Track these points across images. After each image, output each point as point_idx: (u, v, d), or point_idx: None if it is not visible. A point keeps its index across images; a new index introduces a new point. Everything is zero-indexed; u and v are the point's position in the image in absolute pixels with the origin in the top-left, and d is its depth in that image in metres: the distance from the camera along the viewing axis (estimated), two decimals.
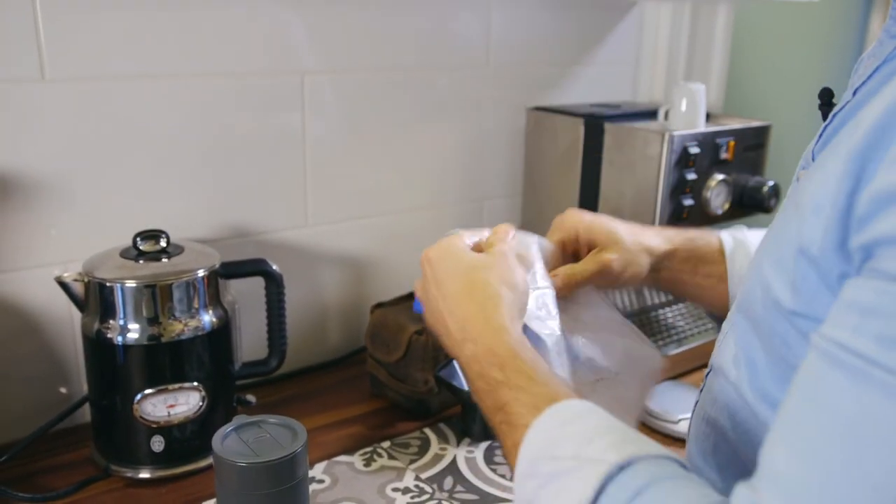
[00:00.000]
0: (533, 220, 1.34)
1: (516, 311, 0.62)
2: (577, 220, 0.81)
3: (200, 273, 0.90)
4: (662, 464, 0.49)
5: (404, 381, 1.05)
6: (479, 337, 0.60)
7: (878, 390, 0.38)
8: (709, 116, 1.23)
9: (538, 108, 1.30)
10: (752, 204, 1.20)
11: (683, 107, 1.15)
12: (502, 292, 0.62)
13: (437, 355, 1.02)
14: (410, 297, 1.15)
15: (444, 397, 1.04)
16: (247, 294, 1.05)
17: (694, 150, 1.11)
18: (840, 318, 0.42)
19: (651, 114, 1.25)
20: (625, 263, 0.79)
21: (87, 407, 0.95)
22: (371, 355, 1.09)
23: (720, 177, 1.15)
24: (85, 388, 0.97)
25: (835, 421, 0.40)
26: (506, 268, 0.64)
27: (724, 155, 1.15)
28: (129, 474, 0.90)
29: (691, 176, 1.12)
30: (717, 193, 1.16)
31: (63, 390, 1.02)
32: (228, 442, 0.76)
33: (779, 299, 0.51)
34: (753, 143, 1.21)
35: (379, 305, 1.11)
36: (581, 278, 0.77)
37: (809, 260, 0.48)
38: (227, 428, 0.77)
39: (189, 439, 0.91)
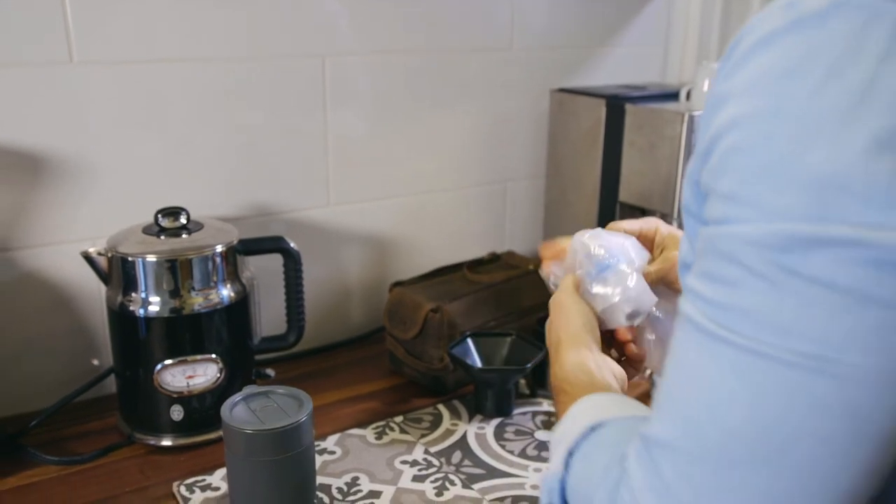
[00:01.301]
0: (556, 201, 1.34)
1: (581, 333, 0.67)
2: (656, 224, 0.78)
3: (218, 248, 0.93)
4: (622, 425, 0.53)
5: (420, 358, 1.06)
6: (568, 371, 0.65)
7: (705, 337, 0.41)
8: None
9: (561, 90, 1.30)
10: None
11: (705, 87, 1.13)
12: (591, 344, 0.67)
13: (453, 333, 1.04)
14: (429, 276, 1.17)
15: (460, 375, 1.06)
16: (271, 272, 1.08)
17: None
18: (692, 273, 0.44)
19: (676, 95, 1.24)
20: None
21: (113, 377, 0.99)
22: (389, 333, 1.11)
23: None
24: (112, 359, 1.01)
25: (684, 374, 0.43)
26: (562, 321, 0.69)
27: None
28: (151, 442, 0.94)
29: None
30: None
31: (95, 362, 1.06)
32: (237, 410, 0.79)
33: (685, 258, 0.51)
34: None
35: (398, 284, 1.13)
36: (652, 277, 0.74)
37: (687, 211, 0.49)
38: (237, 397, 0.80)
39: (207, 409, 0.94)
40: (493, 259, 1.23)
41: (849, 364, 0.37)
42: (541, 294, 0.78)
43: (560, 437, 0.56)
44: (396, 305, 1.10)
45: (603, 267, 0.69)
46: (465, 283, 1.14)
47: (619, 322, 0.69)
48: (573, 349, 0.65)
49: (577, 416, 0.57)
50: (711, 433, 0.41)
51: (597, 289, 0.69)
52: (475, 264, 1.21)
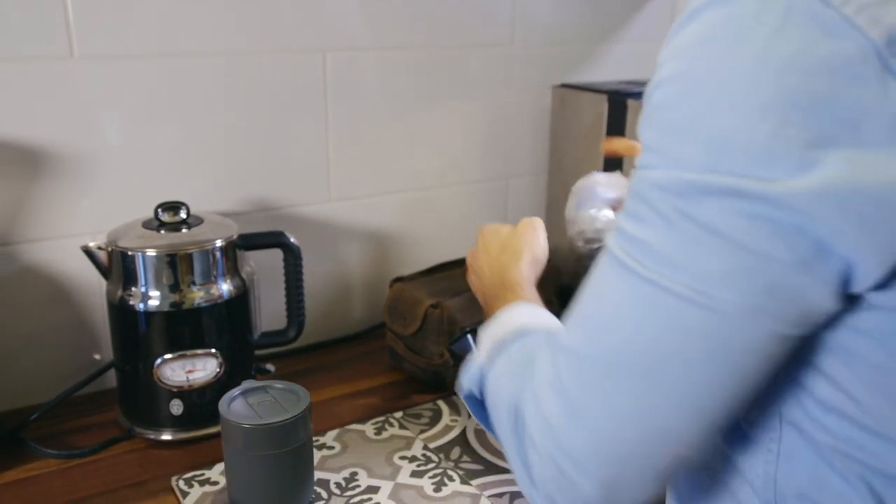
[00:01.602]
0: (558, 198, 1.33)
1: (531, 265, 0.80)
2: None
3: (218, 243, 0.93)
4: (544, 336, 0.59)
5: (420, 354, 1.06)
6: (500, 277, 0.79)
7: (616, 263, 0.48)
8: None
9: (563, 86, 1.29)
10: None
11: None
12: (524, 249, 0.81)
13: (452, 329, 1.04)
14: (430, 272, 1.17)
15: (460, 370, 1.05)
16: (270, 267, 1.08)
17: None
18: None
19: None
20: None
21: (113, 371, 0.99)
22: (389, 328, 1.11)
23: None
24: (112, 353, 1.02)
25: (595, 293, 0.50)
26: (530, 235, 0.83)
27: None
28: (150, 436, 0.94)
29: None
30: None
31: (97, 356, 1.06)
32: (235, 405, 0.79)
33: None
34: None
35: (398, 280, 1.13)
36: None
37: None
38: (235, 392, 0.80)
39: (207, 404, 0.94)
40: None
41: (720, 299, 0.43)
42: (541, 292, 0.78)
43: (491, 335, 0.65)
44: (396, 301, 1.09)
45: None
46: (465, 278, 1.14)
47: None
48: (520, 269, 0.78)
49: (509, 320, 0.67)
50: (605, 343, 0.48)
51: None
52: None
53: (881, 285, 0.43)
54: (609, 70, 1.40)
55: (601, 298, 0.49)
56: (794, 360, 0.47)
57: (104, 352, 1.06)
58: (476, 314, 1.07)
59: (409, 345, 1.08)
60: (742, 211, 0.41)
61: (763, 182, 0.41)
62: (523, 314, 0.68)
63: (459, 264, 1.19)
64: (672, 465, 0.49)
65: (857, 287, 0.43)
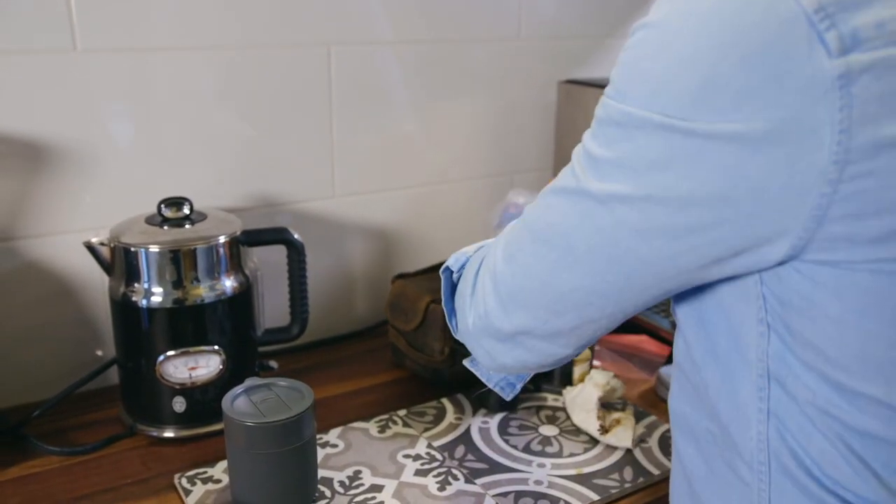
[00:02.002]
0: None
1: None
2: None
3: (221, 239, 0.92)
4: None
5: (421, 351, 1.05)
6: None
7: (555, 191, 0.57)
8: None
9: (569, 81, 1.28)
10: None
11: None
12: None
13: None
14: (433, 269, 1.16)
15: (459, 369, 1.05)
16: (273, 263, 1.07)
17: None
18: None
19: None
20: None
21: (116, 368, 0.99)
22: (391, 325, 1.10)
23: None
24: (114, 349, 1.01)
25: (554, 184, 0.58)
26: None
27: None
28: (153, 433, 0.93)
29: None
30: None
31: (99, 353, 1.06)
32: (238, 403, 0.78)
33: None
34: None
35: (400, 276, 1.12)
36: None
37: None
38: (238, 389, 0.79)
39: (210, 401, 0.93)
40: None
41: (627, 215, 0.51)
42: None
43: (473, 246, 0.75)
44: (398, 297, 1.09)
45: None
46: None
47: None
48: None
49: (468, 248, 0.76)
50: (541, 216, 0.58)
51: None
52: None
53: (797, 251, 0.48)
54: (612, 65, 1.38)
55: (554, 186, 0.58)
56: (770, 314, 0.51)
57: (106, 348, 1.06)
58: None
59: (411, 341, 1.07)
60: (665, 144, 0.48)
61: (687, 121, 0.47)
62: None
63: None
64: (571, 332, 0.60)
65: (771, 249, 0.49)
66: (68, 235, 1.00)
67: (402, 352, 1.09)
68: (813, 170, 0.45)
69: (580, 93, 1.25)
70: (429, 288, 1.06)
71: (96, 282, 1.03)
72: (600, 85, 1.23)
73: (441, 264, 1.17)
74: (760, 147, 0.45)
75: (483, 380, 0.77)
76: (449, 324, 0.74)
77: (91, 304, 1.04)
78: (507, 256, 0.61)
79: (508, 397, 0.76)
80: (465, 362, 0.78)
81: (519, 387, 0.77)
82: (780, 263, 0.49)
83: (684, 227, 0.50)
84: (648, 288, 0.55)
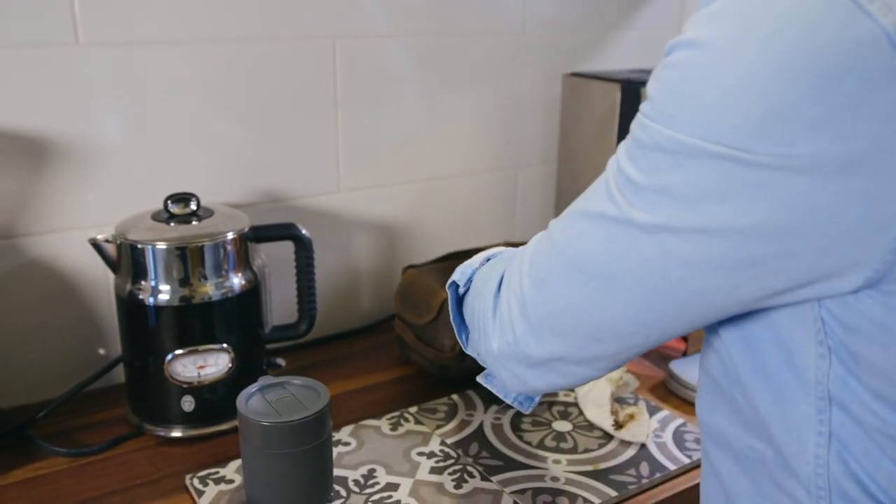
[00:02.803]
0: (568, 188, 1.32)
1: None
2: None
3: (230, 236, 0.90)
4: (504, 254, 0.70)
5: (431, 345, 1.04)
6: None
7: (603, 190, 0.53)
8: None
9: (574, 74, 1.27)
10: None
11: None
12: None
13: None
14: (443, 260, 1.15)
15: (468, 365, 1.04)
16: (279, 260, 1.06)
17: None
18: None
19: None
20: None
21: (121, 367, 0.97)
22: (400, 316, 1.09)
23: None
24: (120, 348, 0.99)
25: (584, 202, 0.55)
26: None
27: None
28: (160, 433, 0.92)
29: None
30: None
31: (102, 351, 1.04)
32: (253, 402, 0.77)
33: None
34: None
35: (411, 267, 1.11)
36: None
37: None
38: (252, 388, 0.78)
39: (219, 400, 0.92)
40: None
41: (677, 247, 0.48)
42: None
43: (470, 263, 0.73)
44: (409, 288, 1.07)
45: None
46: None
47: None
48: None
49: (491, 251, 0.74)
50: (576, 244, 0.54)
51: None
52: None
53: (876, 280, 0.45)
54: (618, 59, 1.38)
55: (586, 209, 0.54)
56: (831, 338, 0.48)
57: (111, 347, 1.04)
58: None
59: (420, 335, 1.06)
60: (718, 176, 0.45)
61: (745, 152, 0.44)
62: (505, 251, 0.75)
63: (472, 254, 1.17)
64: (609, 357, 0.57)
65: (832, 281, 0.46)
66: (71, 232, 0.98)
67: (409, 345, 1.08)
68: (894, 202, 0.42)
69: (585, 86, 1.24)
70: (442, 281, 1.05)
71: (100, 279, 1.01)
72: (605, 78, 1.22)
73: (453, 254, 1.17)
74: (834, 178, 0.42)
75: (500, 396, 0.74)
76: (459, 340, 0.73)
77: (94, 302, 1.02)
78: (537, 281, 0.57)
79: (527, 411, 0.74)
80: (480, 378, 0.75)
81: (537, 400, 0.74)
82: (854, 293, 0.46)
83: (745, 260, 0.47)
84: (699, 317, 0.52)
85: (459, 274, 0.72)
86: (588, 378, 0.61)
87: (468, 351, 0.73)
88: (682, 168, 0.46)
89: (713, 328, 0.57)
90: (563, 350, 0.58)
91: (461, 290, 0.72)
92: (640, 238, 0.49)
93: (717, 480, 0.60)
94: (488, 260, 0.72)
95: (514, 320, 0.60)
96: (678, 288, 0.49)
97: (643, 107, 0.50)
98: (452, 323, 0.73)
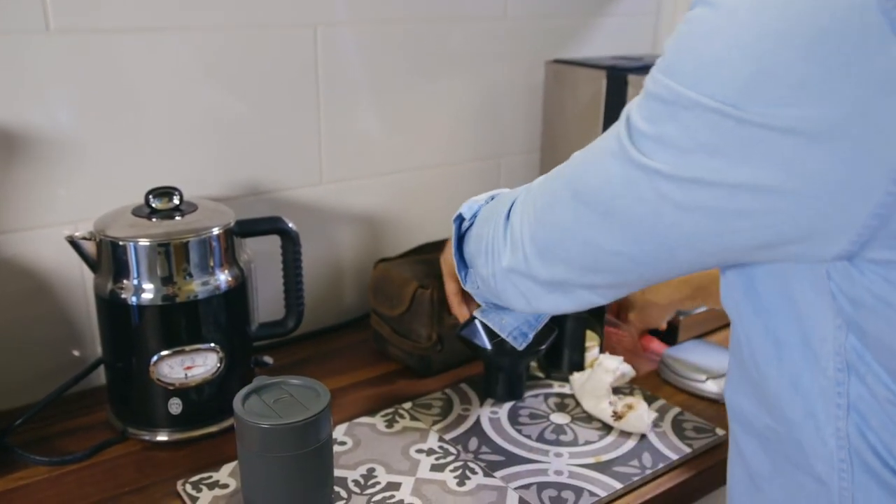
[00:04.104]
0: None
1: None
2: None
3: (215, 231, 0.87)
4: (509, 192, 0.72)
5: (407, 337, 1.02)
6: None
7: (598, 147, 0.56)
8: None
9: (557, 61, 1.26)
10: None
11: None
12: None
13: (442, 311, 1.00)
14: (415, 252, 1.13)
15: (447, 355, 1.03)
16: (261, 253, 1.02)
17: None
18: None
19: None
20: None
21: (101, 369, 0.93)
22: (374, 310, 1.07)
23: None
24: (99, 350, 0.95)
25: (595, 144, 0.57)
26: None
27: None
28: (146, 437, 0.88)
29: None
30: None
31: (76, 353, 0.99)
32: (250, 403, 0.74)
33: None
34: None
35: (383, 260, 1.09)
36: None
37: None
38: (248, 389, 0.75)
39: (207, 401, 0.89)
40: None
41: (672, 192, 0.50)
42: None
43: (482, 195, 0.78)
44: (381, 282, 1.05)
45: None
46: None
47: None
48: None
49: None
50: (582, 176, 0.57)
51: None
52: None
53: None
54: (599, 45, 1.37)
55: (597, 147, 0.56)
56: (843, 313, 0.49)
57: (88, 348, 1.00)
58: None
59: (396, 327, 1.04)
60: (710, 128, 0.46)
61: (735, 108, 0.45)
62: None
63: (443, 244, 1.14)
64: (605, 289, 0.62)
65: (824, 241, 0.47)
66: (43, 230, 0.93)
67: (386, 338, 1.06)
68: (879, 168, 0.42)
69: (569, 73, 1.23)
70: (414, 272, 1.03)
71: (76, 279, 0.96)
72: (589, 65, 1.21)
73: (424, 246, 1.15)
74: (821, 141, 0.43)
75: (496, 329, 0.80)
76: (458, 274, 0.78)
77: (69, 303, 0.97)
78: (545, 207, 0.61)
79: (521, 346, 0.79)
80: (476, 313, 0.82)
81: (531, 336, 0.81)
82: (843, 259, 0.47)
83: (733, 210, 0.48)
84: (690, 261, 0.55)
85: (466, 208, 0.76)
86: (593, 303, 0.64)
87: (467, 287, 0.78)
88: (678, 119, 0.48)
89: (737, 307, 0.57)
90: (566, 275, 0.62)
91: (466, 225, 0.76)
92: (638, 179, 0.52)
93: (742, 462, 0.60)
94: (493, 198, 0.75)
95: (525, 241, 0.64)
96: (671, 231, 0.52)
97: (658, 60, 0.51)
98: (453, 259, 0.77)
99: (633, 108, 0.53)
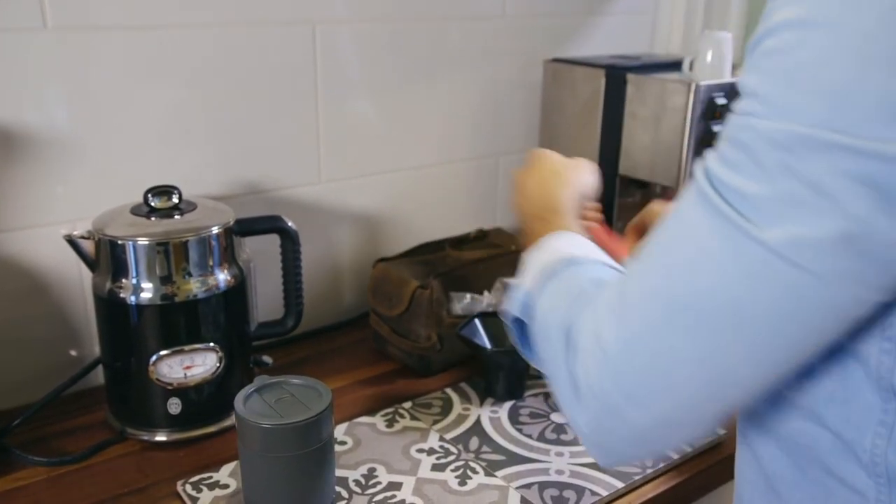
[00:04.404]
0: None
1: (575, 198, 0.78)
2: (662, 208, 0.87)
3: (215, 230, 0.86)
4: (597, 266, 0.61)
5: (406, 337, 1.02)
6: (546, 199, 0.77)
7: (707, 204, 0.45)
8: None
9: (555, 60, 1.26)
10: None
11: (709, 57, 1.11)
12: (571, 178, 0.80)
13: (441, 311, 1.00)
14: (414, 252, 1.13)
15: (446, 355, 1.02)
16: (259, 253, 1.02)
17: (721, 101, 1.07)
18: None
19: (673, 65, 1.21)
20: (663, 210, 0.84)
21: (100, 369, 0.92)
22: (373, 310, 1.06)
23: None
24: (97, 349, 0.95)
25: (678, 227, 0.48)
26: (581, 171, 0.81)
27: None
28: (145, 437, 0.88)
29: (718, 128, 1.08)
30: None
31: (73, 353, 0.99)
32: (251, 403, 0.73)
33: None
34: None
35: (382, 260, 1.09)
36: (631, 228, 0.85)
37: None
38: (249, 389, 0.75)
39: (206, 401, 0.88)
40: (481, 236, 1.19)
41: (814, 261, 0.41)
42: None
43: (539, 262, 0.63)
44: (380, 282, 1.05)
45: None
46: (451, 257, 1.10)
47: None
48: (566, 195, 0.77)
49: (557, 248, 0.64)
50: (684, 283, 0.46)
51: None
52: (459, 241, 1.16)
53: None
54: (596, 45, 1.36)
55: (685, 236, 0.46)
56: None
57: (85, 348, 0.99)
58: (466, 290, 1.03)
59: (395, 327, 1.04)
60: (853, 172, 0.39)
61: (881, 142, 0.38)
62: (573, 244, 0.65)
63: (442, 244, 1.15)
64: (729, 410, 0.49)
65: None
66: (41, 229, 0.93)
67: (385, 338, 1.06)
68: None
69: (568, 72, 1.23)
70: (412, 272, 1.03)
71: (73, 278, 0.96)
72: (587, 63, 1.21)
73: (424, 245, 1.14)
74: None
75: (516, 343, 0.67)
76: (533, 364, 0.65)
77: (66, 302, 0.97)
78: (628, 336, 0.48)
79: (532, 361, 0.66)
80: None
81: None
82: None
83: (888, 259, 0.41)
84: (830, 337, 0.45)
85: (519, 305, 0.62)
86: (699, 438, 0.55)
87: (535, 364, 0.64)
88: (808, 167, 0.40)
89: None
90: (670, 413, 0.48)
91: (521, 318, 0.63)
92: (767, 258, 0.42)
93: (758, 465, 0.57)
94: (545, 276, 0.61)
95: (604, 390, 0.49)
96: (817, 310, 0.43)
97: (743, 105, 0.44)
98: (523, 352, 0.65)
99: (726, 173, 0.44)
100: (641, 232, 0.86)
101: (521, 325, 0.64)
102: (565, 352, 0.53)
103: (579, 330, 0.52)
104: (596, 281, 0.57)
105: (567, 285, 0.59)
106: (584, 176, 0.81)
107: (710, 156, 0.46)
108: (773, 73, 0.42)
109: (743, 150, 0.43)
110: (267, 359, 1.00)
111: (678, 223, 0.48)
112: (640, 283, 0.48)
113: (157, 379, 0.85)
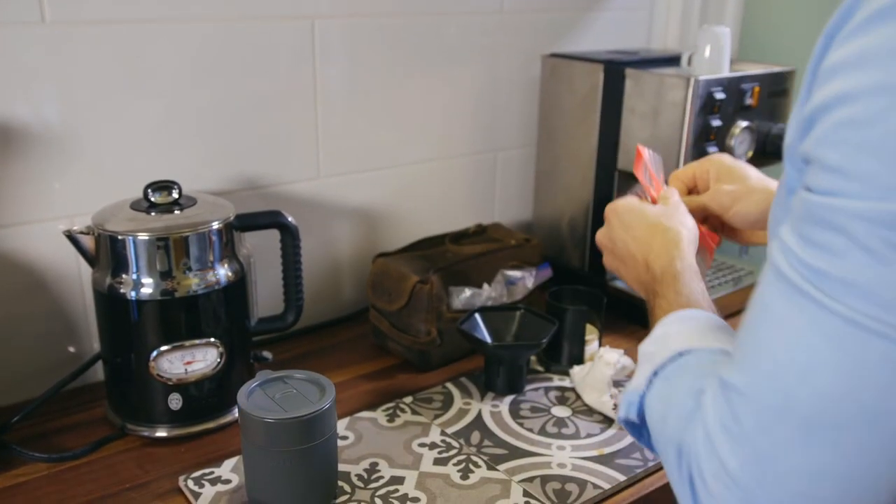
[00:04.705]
0: (548, 171, 1.30)
1: (691, 245, 0.72)
2: (718, 159, 0.84)
3: (215, 225, 0.86)
4: (708, 356, 0.54)
5: (406, 332, 1.02)
6: (656, 266, 0.71)
7: (800, 296, 0.42)
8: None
9: (554, 55, 1.26)
10: (774, 152, 1.16)
11: (707, 51, 1.11)
12: (682, 232, 0.73)
13: (440, 306, 1.00)
14: (413, 247, 1.13)
15: (446, 349, 1.03)
16: (259, 248, 1.01)
17: (719, 95, 1.07)
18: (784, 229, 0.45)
19: (671, 60, 1.21)
20: (735, 198, 0.80)
21: (99, 365, 0.92)
22: (373, 305, 1.06)
23: (744, 124, 1.12)
24: (96, 345, 0.94)
25: (771, 327, 0.43)
26: (680, 215, 0.76)
27: (748, 101, 1.11)
28: (145, 433, 0.87)
29: (716, 123, 1.08)
30: (740, 141, 1.12)
31: (72, 349, 0.99)
32: (254, 398, 0.73)
33: (776, 210, 0.53)
34: (778, 89, 1.17)
35: (382, 255, 1.09)
36: (691, 206, 0.80)
37: (790, 162, 0.48)
38: (252, 383, 0.75)
39: (207, 396, 0.88)
40: (480, 231, 1.19)
41: None
42: None
43: (648, 356, 0.59)
44: (380, 277, 1.05)
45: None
46: (451, 252, 1.10)
47: None
48: (681, 256, 0.69)
49: (667, 339, 0.59)
50: (799, 393, 0.41)
51: None
52: (458, 236, 1.16)
53: None
54: (592, 39, 1.37)
55: (783, 336, 0.43)
56: None
57: (85, 344, 0.99)
58: (465, 284, 1.03)
59: (395, 322, 1.04)
60: None
61: None
62: (682, 330, 0.60)
63: (441, 239, 1.15)
64: None
65: None
66: (40, 225, 0.92)
67: (385, 333, 1.06)
68: None
69: (566, 67, 1.23)
70: (412, 267, 1.03)
71: (72, 273, 0.95)
72: (585, 58, 1.21)
73: (424, 241, 1.14)
74: None
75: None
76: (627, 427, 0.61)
77: (65, 298, 0.96)
78: (756, 457, 0.43)
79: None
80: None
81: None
82: None
83: None
84: None
85: (625, 408, 0.59)
86: None
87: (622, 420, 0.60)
88: None
89: None
90: None
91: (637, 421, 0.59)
92: (888, 350, 0.39)
93: None
94: (655, 374, 0.57)
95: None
96: None
97: (822, 182, 0.41)
98: (648, 448, 0.61)
99: (820, 261, 0.41)
100: (690, 189, 0.85)
101: (636, 426, 0.59)
102: (679, 470, 0.49)
103: (692, 445, 0.48)
104: (697, 391, 0.51)
105: (671, 383, 0.55)
106: (686, 220, 0.75)
107: (789, 239, 0.43)
108: (856, 146, 0.39)
109: (834, 232, 0.40)
110: (267, 354, 1.00)
111: (770, 322, 0.44)
112: (750, 397, 0.44)
113: (158, 374, 0.85)
